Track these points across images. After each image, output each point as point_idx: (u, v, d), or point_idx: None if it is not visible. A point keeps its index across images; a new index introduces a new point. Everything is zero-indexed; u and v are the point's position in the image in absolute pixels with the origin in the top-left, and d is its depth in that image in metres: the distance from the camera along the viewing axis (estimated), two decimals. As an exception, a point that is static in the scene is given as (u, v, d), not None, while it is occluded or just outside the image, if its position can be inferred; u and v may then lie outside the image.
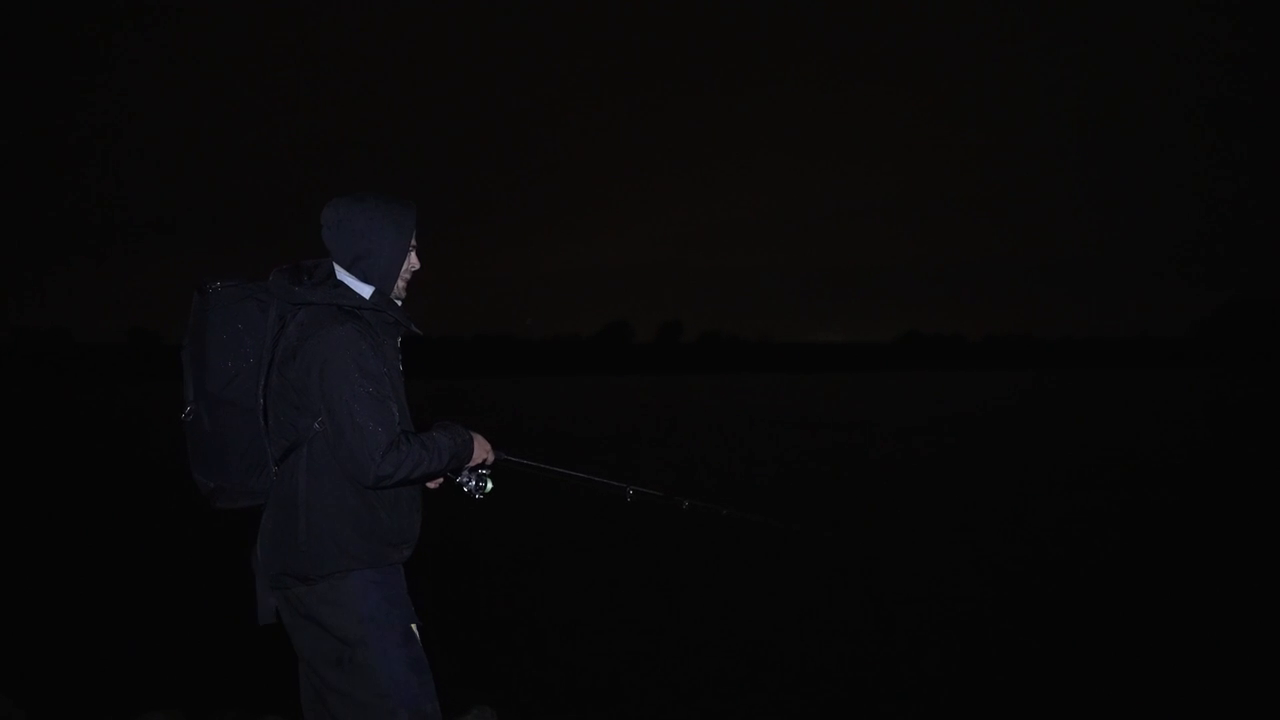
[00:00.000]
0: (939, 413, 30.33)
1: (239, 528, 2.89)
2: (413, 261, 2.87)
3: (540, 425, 24.63)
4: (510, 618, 7.33)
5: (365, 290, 2.78)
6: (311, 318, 2.71)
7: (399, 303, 2.88)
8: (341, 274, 2.79)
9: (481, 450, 2.88)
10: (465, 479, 2.91)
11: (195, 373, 2.75)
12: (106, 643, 6.69)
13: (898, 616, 7.17)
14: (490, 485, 2.94)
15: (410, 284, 2.92)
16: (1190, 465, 15.89)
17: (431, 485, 2.95)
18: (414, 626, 2.80)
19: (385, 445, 2.60)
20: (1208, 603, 7.36)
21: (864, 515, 11.60)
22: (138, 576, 8.67)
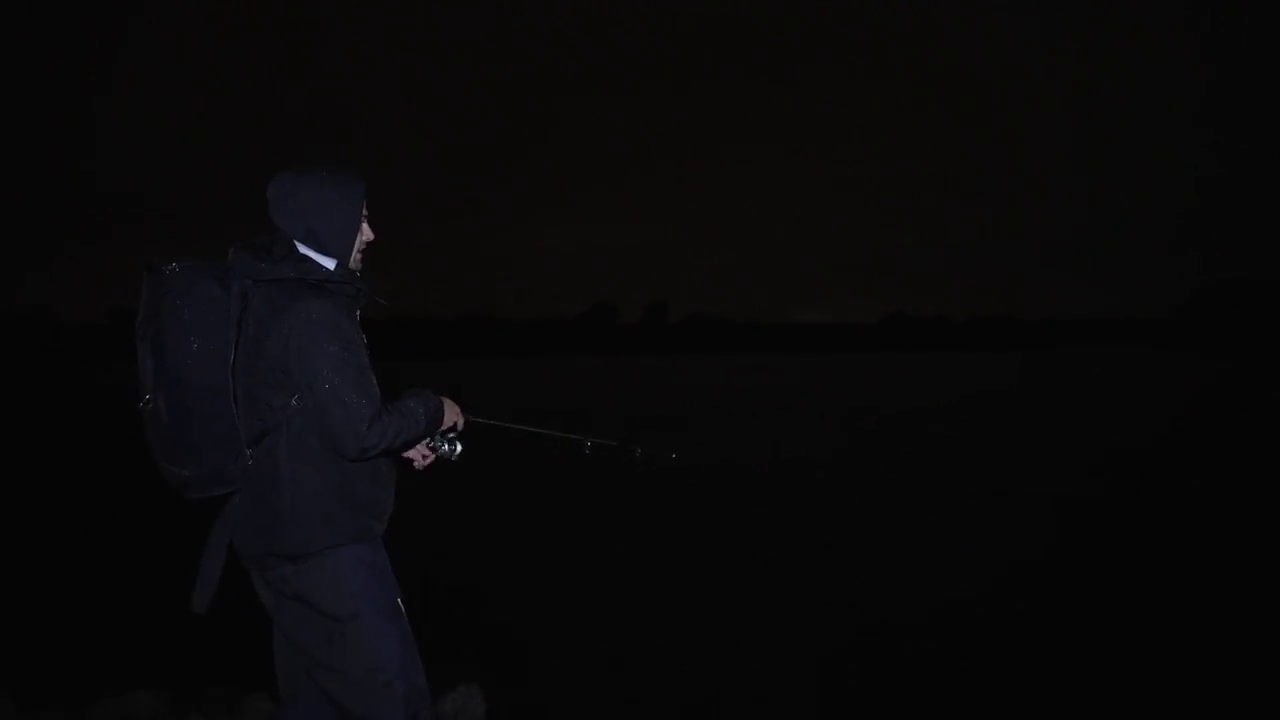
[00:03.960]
0: (924, 397, 30.42)
1: (218, 507, 2.86)
2: (366, 232, 2.83)
3: (530, 412, 24.57)
4: (497, 597, 7.34)
5: (329, 263, 2.74)
6: (279, 293, 2.66)
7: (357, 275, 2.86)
8: (303, 248, 2.74)
9: (452, 414, 2.89)
10: (437, 443, 2.92)
11: (155, 358, 2.64)
12: (91, 623, 6.67)
13: (885, 606, 7.21)
14: (460, 448, 2.95)
15: (365, 255, 2.90)
16: (1175, 449, 15.99)
17: (408, 454, 2.94)
18: (399, 600, 2.80)
19: (370, 417, 2.58)
20: (1195, 589, 7.42)
21: (853, 507, 11.65)
22: (121, 556, 8.63)
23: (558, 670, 5.69)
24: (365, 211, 2.82)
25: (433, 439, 2.90)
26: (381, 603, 2.72)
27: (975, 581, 7.53)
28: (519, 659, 5.89)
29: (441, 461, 2.97)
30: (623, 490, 11.96)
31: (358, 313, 2.78)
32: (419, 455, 2.93)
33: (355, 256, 2.83)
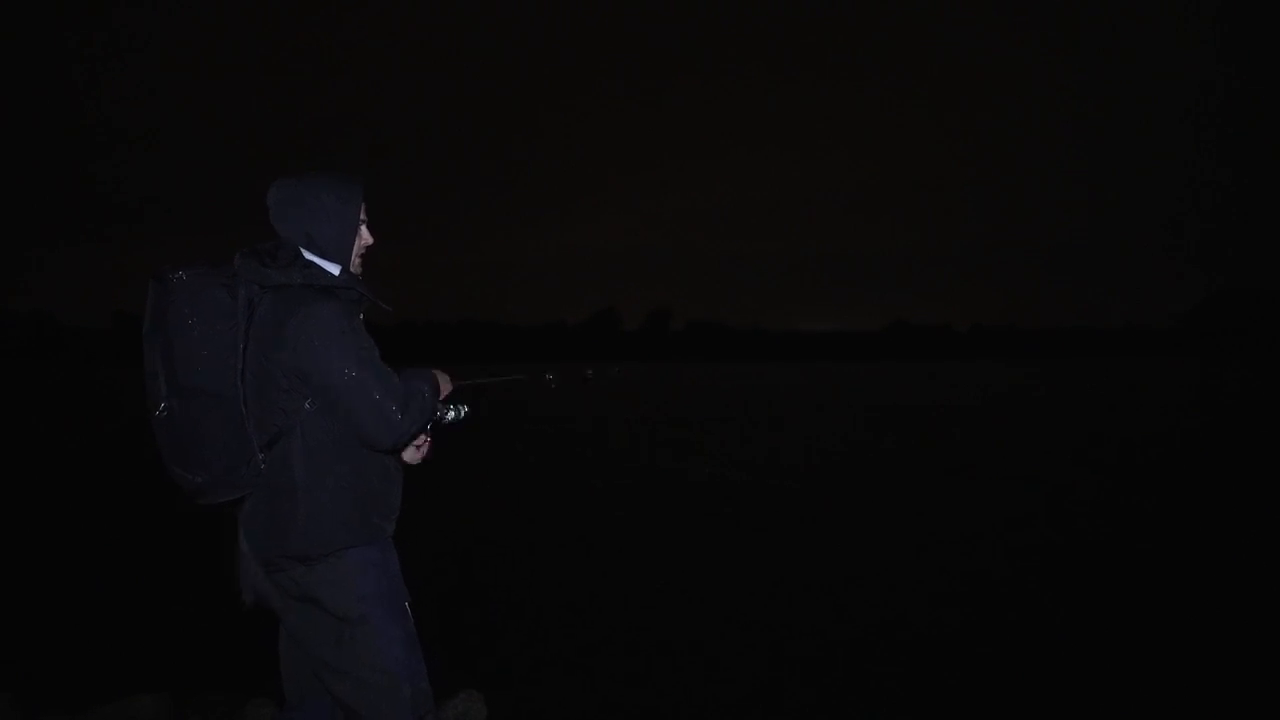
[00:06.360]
0: (928, 404, 30.42)
1: (221, 510, 2.87)
2: (365, 237, 2.85)
3: (535, 416, 24.59)
4: (498, 601, 7.33)
5: (334, 269, 2.77)
6: (286, 299, 2.68)
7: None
8: (307, 254, 2.77)
9: (445, 384, 2.94)
10: (443, 413, 2.97)
11: (165, 366, 2.66)
12: (93, 627, 6.67)
13: (886, 608, 7.20)
14: (465, 410, 3.04)
15: (366, 260, 2.91)
16: (1177, 455, 15.97)
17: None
18: (406, 604, 2.82)
19: (400, 407, 2.64)
20: (1198, 597, 7.41)
21: (855, 510, 11.64)
22: (123, 561, 8.64)
23: (560, 676, 5.69)
24: (364, 216, 2.83)
25: (437, 410, 2.95)
26: (391, 605, 2.74)
27: (975, 583, 7.52)
28: (520, 664, 5.89)
29: (451, 425, 3.03)
30: (624, 493, 11.96)
31: (360, 317, 2.80)
32: (413, 450, 2.95)
33: (355, 261, 2.84)
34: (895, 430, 21.01)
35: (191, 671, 5.58)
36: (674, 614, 6.95)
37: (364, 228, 2.84)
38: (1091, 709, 5.13)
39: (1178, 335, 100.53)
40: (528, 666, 5.86)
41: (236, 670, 5.29)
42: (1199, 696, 5.26)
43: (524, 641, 6.35)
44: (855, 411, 26.80)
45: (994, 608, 7.01)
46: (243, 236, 2.82)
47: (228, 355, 2.67)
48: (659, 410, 27.26)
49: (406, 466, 2.95)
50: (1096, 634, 6.32)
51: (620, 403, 30.26)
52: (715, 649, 6.15)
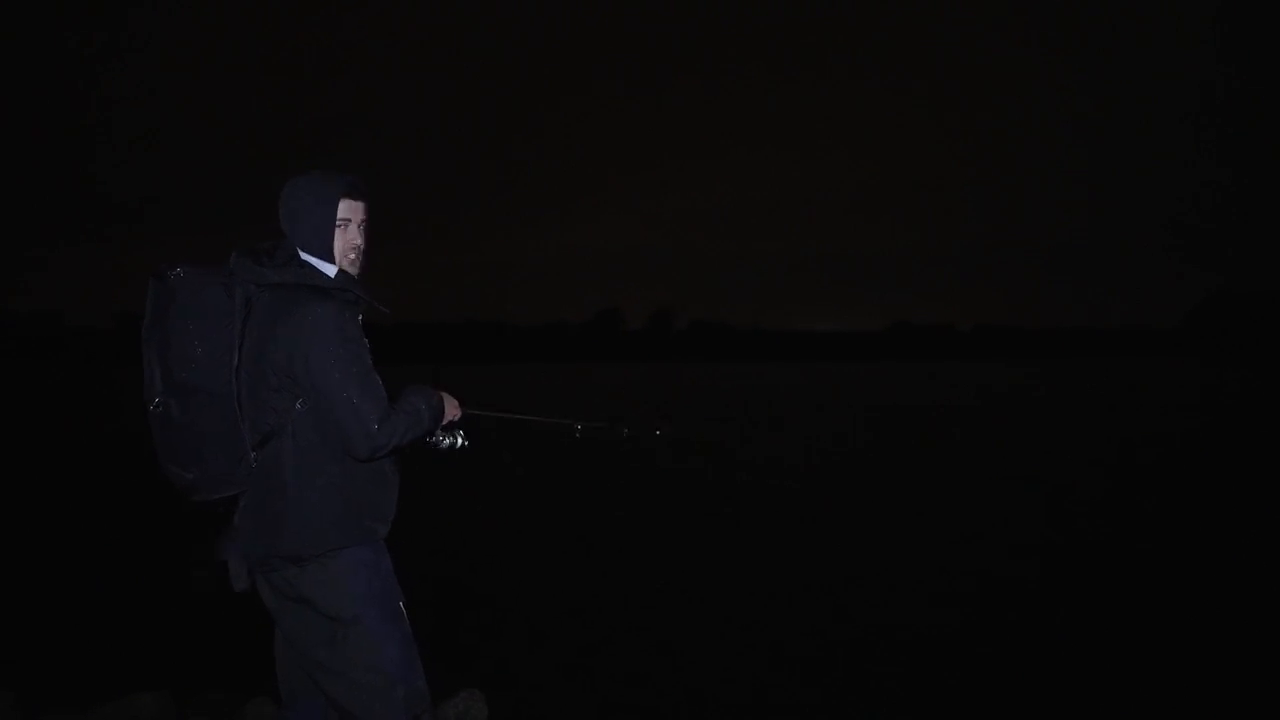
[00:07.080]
0: (930, 404, 30.39)
1: (214, 509, 2.87)
2: (352, 237, 2.79)
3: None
4: (498, 600, 7.34)
5: (330, 269, 2.75)
6: (282, 298, 2.68)
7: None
8: (304, 254, 2.76)
9: (451, 408, 2.91)
10: (439, 438, 2.94)
11: (162, 362, 2.68)
12: (94, 626, 6.68)
13: (886, 608, 7.20)
14: (464, 440, 2.99)
15: (364, 260, 2.87)
16: (1181, 455, 15.96)
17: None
18: (401, 604, 2.81)
19: (379, 417, 2.61)
20: (1199, 597, 7.41)
21: (857, 510, 11.65)
22: (123, 560, 8.65)
23: (560, 676, 5.69)
24: (347, 216, 2.77)
25: (434, 434, 2.92)
26: (384, 606, 2.73)
27: (976, 583, 7.53)
28: (520, 664, 5.89)
29: (449, 453, 3.00)
30: (626, 492, 11.97)
31: (359, 318, 2.80)
32: None
33: (348, 260, 2.82)
34: (896, 430, 21.01)
35: (192, 670, 5.59)
36: (674, 614, 6.95)
37: (352, 227, 2.79)
38: (1092, 709, 5.14)
39: (1178, 335, 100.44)
40: (528, 666, 5.86)
41: (237, 669, 5.30)
42: (1199, 696, 5.27)
43: (524, 641, 6.36)
44: (856, 411, 26.80)
45: (994, 608, 7.02)
46: (243, 237, 2.81)
47: (224, 353, 2.68)
48: (658, 410, 27.25)
49: (404, 469, 2.94)
50: (1096, 634, 6.32)
51: (620, 403, 30.24)
52: (715, 649, 6.16)
